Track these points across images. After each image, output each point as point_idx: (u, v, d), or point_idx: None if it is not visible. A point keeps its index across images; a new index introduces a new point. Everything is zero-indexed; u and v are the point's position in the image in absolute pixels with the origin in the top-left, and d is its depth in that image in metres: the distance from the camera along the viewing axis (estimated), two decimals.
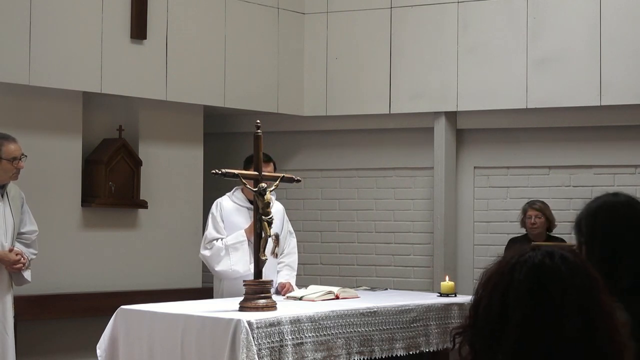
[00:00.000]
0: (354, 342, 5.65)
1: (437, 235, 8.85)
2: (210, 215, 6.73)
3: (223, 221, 6.66)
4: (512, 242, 8.01)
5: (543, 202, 8.10)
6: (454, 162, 8.95)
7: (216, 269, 6.60)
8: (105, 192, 7.98)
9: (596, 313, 2.01)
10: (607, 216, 2.91)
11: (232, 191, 6.84)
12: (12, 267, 6.23)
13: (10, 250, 6.25)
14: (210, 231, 6.65)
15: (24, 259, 6.27)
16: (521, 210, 8.13)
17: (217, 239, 6.61)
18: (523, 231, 8.13)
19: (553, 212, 8.13)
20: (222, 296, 6.55)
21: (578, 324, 1.97)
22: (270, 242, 6.59)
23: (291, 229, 7.06)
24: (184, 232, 8.58)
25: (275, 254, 6.73)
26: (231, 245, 6.55)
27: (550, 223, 8.03)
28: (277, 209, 6.76)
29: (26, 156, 6.32)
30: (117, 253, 8.13)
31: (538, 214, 7.99)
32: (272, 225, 5.74)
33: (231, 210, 6.69)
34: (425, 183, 9.06)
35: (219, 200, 6.80)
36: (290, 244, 6.96)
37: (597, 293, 2.03)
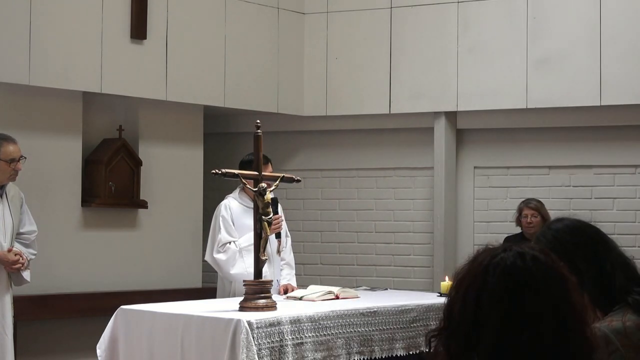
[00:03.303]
0: (354, 342, 5.65)
1: (437, 235, 8.84)
2: (220, 218, 6.67)
3: (233, 223, 6.64)
4: (507, 240, 7.99)
5: (539, 201, 8.07)
6: (454, 162, 8.95)
7: (231, 272, 6.57)
8: (105, 192, 7.98)
9: (569, 313, 2.01)
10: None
11: (236, 192, 6.82)
12: (11, 267, 6.23)
13: (9, 251, 6.24)
14: (223, 234, 6.61)
15: (22, 259, 6.26)
16: (517, 209, 8.10)
17: (230, 242, 6.59)
18: (518, 229, 8.11)
19: (553, 212, 8.11)
20: (231, 297, 6.51)
21: (553, 324, 1.98)
22: (274, 242, 6.62)
23: (287, 228, 7.06)
24: (184, 232, 8.57)
25: (279, 252, 6.75)
26: (244, 248, 6.53)
27: (545, 221, 7.98)
28: (279, 207, 6.78)
29: (25, 158, 6.31)
30: (117, 253, 8.13)
31: (534, 212, 7.96)
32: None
33: (240, 211, 6.68)
34: (425, 183, 9.06)
35: (226, 202, 6.76)
36: (287, 243, 6.97)
37: (568, 293, 2.04)
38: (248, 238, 6.51)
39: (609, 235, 2.99)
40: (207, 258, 6.78)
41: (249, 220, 6.37)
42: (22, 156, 6.26)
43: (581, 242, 2.90)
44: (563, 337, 1.98)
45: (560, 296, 2.01)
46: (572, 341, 1.99)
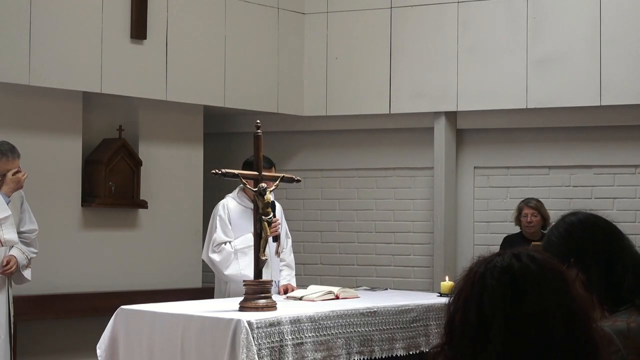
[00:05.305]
0: (354, 342, 5.65)
1: (437, 235, 8.84)
2: (217, 218, 6.65)
3: (230, 223, 6.63)
4: (507, 239, 7.99)
5: (538, 200, 8.06)
6: (454, 162, 8.95)
7: (225, 272, 6.56)
8: (105, 192, 7.98)
9: (573, 307, 2.00)
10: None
11: (235, 192, 6.81)
12: (2, 269, 6.18)
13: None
14: (218, 234, 6.59)
15: (12, 265, 6.20)
16: (516, 208, 8.10)
17: (225, 242, 6.58)
18: (517, 229, 8.10)
19: (553, 212, 8.11)
20: (226, 297, 6.51)
21: (560, 319, 1.97)
22: (272, 245, 6.60)
23: (288, 229, 7.06)
24: (184, 232, 8.58)
25: (278, 254, 6.74)
26: (240, 250, 6.52)
27: (545, 221, 7.98)
28: (278, 209, 6.76)
29: (20, 172, 6.25)
30: (117, 253, 8.13)
31: (534, 212, 7.95)
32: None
33: (238, 212, 6.66)
34: (425, 183, 9.06)
35: (224, 201, 6.74)
36: (288, 244, 6.96)
37: (569, 287, 2.04)
38: (244, 240, 6.50)
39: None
40: (203, 257, 6.79)
41: (246, 221, 6.37)
42: (17, 171, 6.20)
43: (594, 238, 2.82)
44: (571, 333, 1.97)
45: (562, 291, 2.01)
46: (581, 336, 1.98)
